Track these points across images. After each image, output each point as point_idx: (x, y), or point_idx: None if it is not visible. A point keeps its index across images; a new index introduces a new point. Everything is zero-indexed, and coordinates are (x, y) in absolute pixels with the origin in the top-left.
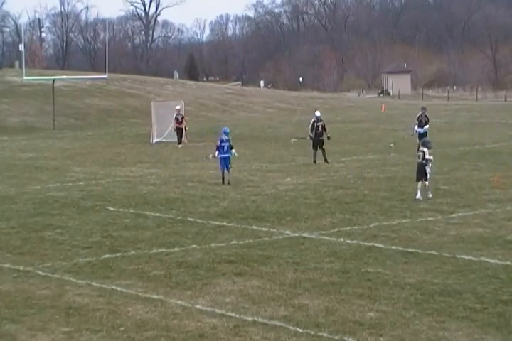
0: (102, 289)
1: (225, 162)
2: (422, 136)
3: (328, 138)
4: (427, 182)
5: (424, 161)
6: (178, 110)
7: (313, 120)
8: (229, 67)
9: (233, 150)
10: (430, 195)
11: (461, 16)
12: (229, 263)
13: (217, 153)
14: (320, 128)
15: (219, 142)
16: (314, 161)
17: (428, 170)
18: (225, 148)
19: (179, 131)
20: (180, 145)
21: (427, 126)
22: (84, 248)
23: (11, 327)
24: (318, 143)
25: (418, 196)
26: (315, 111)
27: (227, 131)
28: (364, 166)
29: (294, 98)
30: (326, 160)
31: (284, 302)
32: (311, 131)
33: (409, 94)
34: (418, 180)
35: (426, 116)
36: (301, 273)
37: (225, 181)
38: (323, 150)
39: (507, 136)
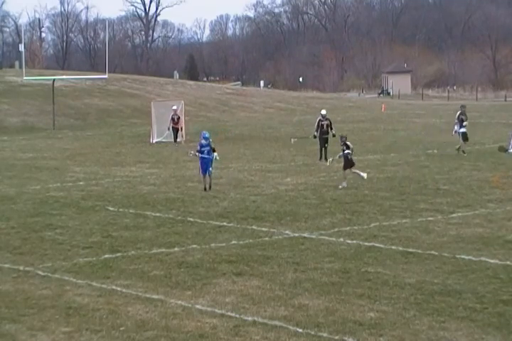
0: (102, 289)
1: (206, 166)
2: (464, 135)
3: (333, 135)
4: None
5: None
6: (175, 110)
7: (318, 118)
8: (229, 67)
9: (215, 154)
10: (345, 184)
11: (461, 16)
12: (229, 263)
13: (198, 154)
14: (325, 127)
15: (198, 147)
16: (320, 158)
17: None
18: (205, 152)
19: (175, 131)
20: (175, 144)
21: (465, 123)
22: (84, 248)
23: (11, 327)
24: (323, 141)
25: (344, 184)
26: (321, 110)
27: (207, 135)
28: (364, 166)
29: (294, 98)
30: (325, 158)
31: (284, 302)
32: (316, 130)
33: (409, 94)
34: (346, 168)
35: (465, 114)
36: (301, 273)
37: (206, 186)
38: (325, 149)
39: (507, 136)
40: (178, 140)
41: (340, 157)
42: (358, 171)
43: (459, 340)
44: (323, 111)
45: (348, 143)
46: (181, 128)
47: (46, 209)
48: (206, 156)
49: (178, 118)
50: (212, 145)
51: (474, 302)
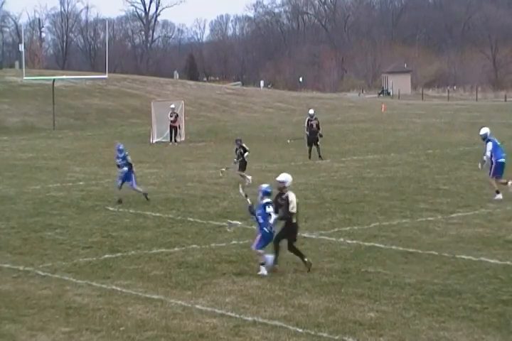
0: (102, 289)
1: (125, 176)
2: None
3: (320, 135)
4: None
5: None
6: (173, 109)
7: (307, 118)
8: (229, 67)
9: (125, 168)
10: (249, 181)
11: (461, 16)
12: (229, 263)
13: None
14: (314, 126)
15: (117, 160)
16: (309, 157)
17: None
18: (122, 166)
19: (173, 130)
20: (170, 143)
21: None
22: (84, 248)
23: (11, 327)
24: (312, 140)
25: (249, 181)
26: (309, 109)
27: (121, 147)
28: (364, 166)
29: (294, 98)
30: (320, 156)
31: (284, 302)
32: (307, 129)
33: (409, 94)
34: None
35: None
36: (301, 273)
37: (120, 199)
38: (318, 147)
39: (507, 136)
40: (177, 140)
41: (235, 163)
42: (247, 177)
43: (459, 340)
44: (311, 111)
45: (243, 145)
46: (179, 127)
47: (46, 209)
48: (123, 169)
49: (177, 116)
50: (130, 160)
51: (474, 302)
